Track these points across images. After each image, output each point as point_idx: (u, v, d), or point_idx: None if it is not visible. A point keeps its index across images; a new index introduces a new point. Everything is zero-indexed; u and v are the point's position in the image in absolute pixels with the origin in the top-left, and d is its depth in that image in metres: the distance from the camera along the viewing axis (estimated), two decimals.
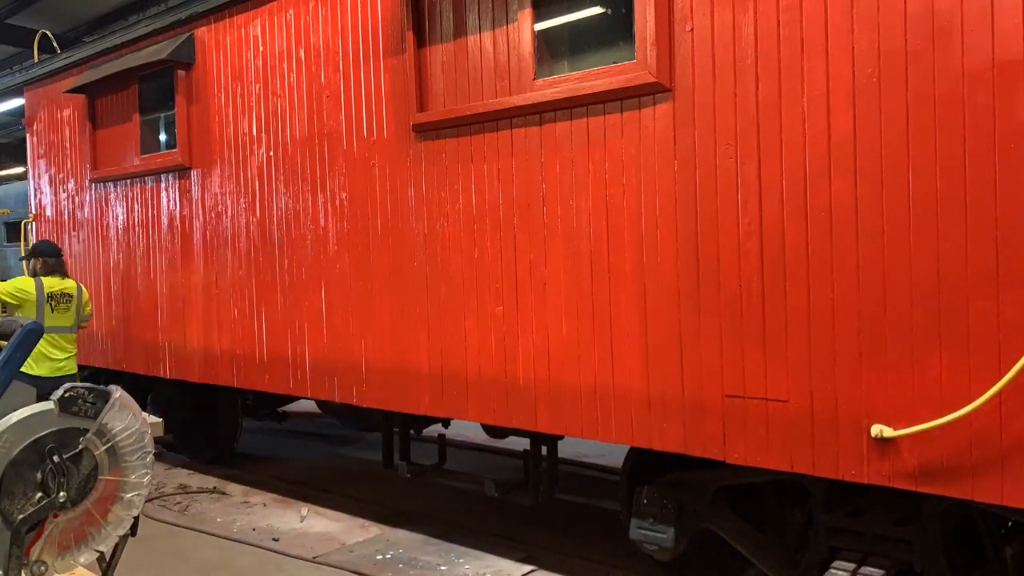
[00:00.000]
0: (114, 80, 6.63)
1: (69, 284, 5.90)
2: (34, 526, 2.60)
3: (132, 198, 6.64)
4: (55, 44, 8.52)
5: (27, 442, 2.58)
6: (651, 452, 3.76)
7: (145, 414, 2.88)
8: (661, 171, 3.58)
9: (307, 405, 7.83)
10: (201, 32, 5.96)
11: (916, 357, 2.96)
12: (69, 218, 7.41)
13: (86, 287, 6.78)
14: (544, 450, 4.77)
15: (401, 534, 5.33)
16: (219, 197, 5.87)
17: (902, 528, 3.41)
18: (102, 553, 2.80)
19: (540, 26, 4.09)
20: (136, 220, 6.61)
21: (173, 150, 6.24)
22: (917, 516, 3.39)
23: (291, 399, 7.19)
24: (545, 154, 3.99)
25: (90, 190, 7.09)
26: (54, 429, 2.62)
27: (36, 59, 8.10)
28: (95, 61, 6.95)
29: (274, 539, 5.29)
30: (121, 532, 2.78)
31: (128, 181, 6.67)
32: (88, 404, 2.67)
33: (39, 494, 2.59)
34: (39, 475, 2.59)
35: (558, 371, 3.97)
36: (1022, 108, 2.75)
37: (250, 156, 5.62)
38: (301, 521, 5.65)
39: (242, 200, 5.69)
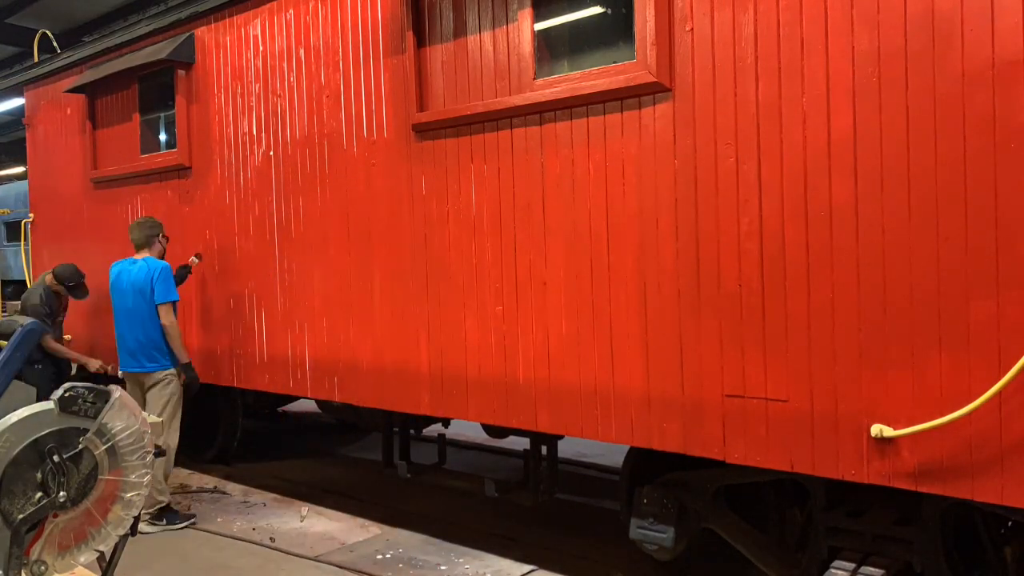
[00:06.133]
0: (114, 80, 6.63)
1: None
2: (34, 526, 2.60)
3: (132, 198, 6.64)
4: (55, 44, 8.52)
5: (27, 442, 2.58)
6: (651, 452, 3.76)
7: (144, 414, 2.88)
8: (661, 171, 3.58)
9: (307, 405, 7.83)
10: (201, 32, 5.96)
11: (916, 357, 2.96)
12: (69, 218, 7.40)
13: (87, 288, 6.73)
14: (544, 450, 4.77)
15: (401, 534, 5.33)
16: (219, 197, 5.86)
17: (902, 528, 3.41)
18: (102, 553, 2.80)
19: (540, 26, 4.09)
20: None
21: (173, 150, 6.24)
22: (917, 516, 3.39)
23: (291, 399, 7.20)
24: (545, 154, 3.99)
25: (90, 190, 7.08)
26: (54, 429, 2.63)
27: (36, 59, 8.10)
28: (95, 61, 6.95)
29: (271, 539, 5.29)
30: (121, 532, 2.78)
31: (128, 181, 6.67)
32: (88, 404, 2.67)
33: (39, 494, 2.59)
34: (39, 475, 2.59)
35: (558, 371, 3.97)
36: (1022, 108, 2.75)
37: (250, 156, 5.62)
38: (301, 521, 5.65)
39: (242, 200, 5.68)
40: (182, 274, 5.89)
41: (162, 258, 5.63)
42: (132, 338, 5.46)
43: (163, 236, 5.69)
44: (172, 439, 5.51)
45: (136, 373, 5.49)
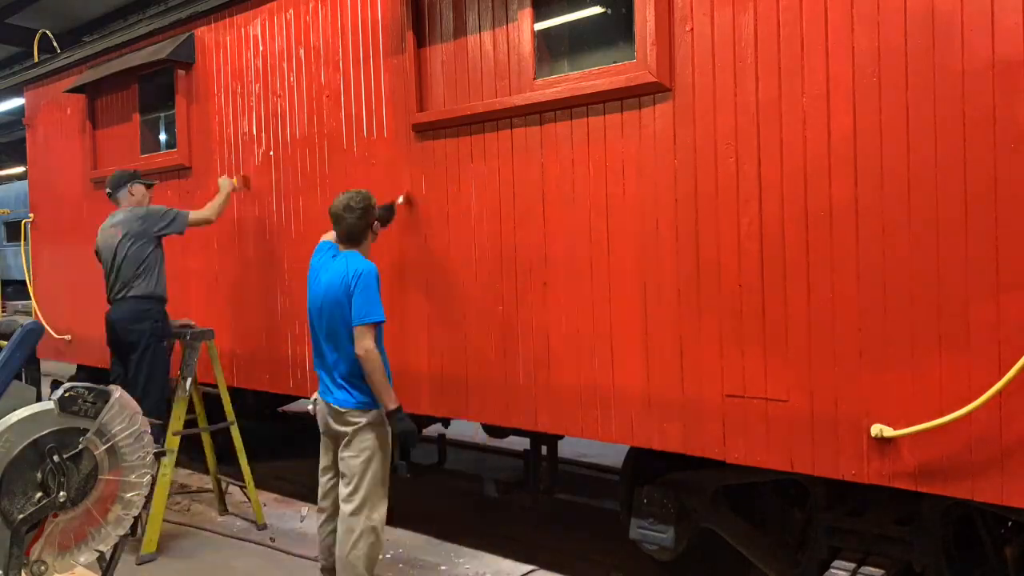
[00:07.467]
0: (114, 80, 6.63)
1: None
2: (34, 526, 2.61)
3: None
4: (55, 44, 8.52)
5: (27, 442, 2.58)
6: (651, 452, 3.76)
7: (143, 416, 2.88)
8: (661, 171, 3.58)
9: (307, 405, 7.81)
10: (201, 32, 5.96)
11: (916, 357, 2.96)
12: (69, 218, 7.40)
13: (88, 288, 6.68)
14: (544, 450, 4.78)
15: (401, 534, 5.33)
16: None
17: (902, 528, 3.41)
18: (102, 553, 2.81)
19: (540, 26, 4.09)
20: None
21: (173, 150, 6.24)
22: (917, 516, 3.39)
23: (291, 399, 7.18)
24: (545, 154, 3.99)
25: (90, 190, 7.08)
26: (54, 429, 2.63)
27: (36, 59, 8.10)
28: (95, 61, 6.95)
29: (271, 539, 5.29)
30: (121, 532, 2.79)
31: None
32: (88, 404, 2.68)
33: (39, 494, 2.59)
34: (39, 475, 2.59)
35: (558, 371, 3.96)
36: (1022, 108, 2.75)
37: (250, 156, 5.62)
38: (301, 521, 5.65)
39: (242, 199, 5.68)
40: (385, 216, 4.37)
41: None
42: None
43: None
44: (377, 511, 3.94)
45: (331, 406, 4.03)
